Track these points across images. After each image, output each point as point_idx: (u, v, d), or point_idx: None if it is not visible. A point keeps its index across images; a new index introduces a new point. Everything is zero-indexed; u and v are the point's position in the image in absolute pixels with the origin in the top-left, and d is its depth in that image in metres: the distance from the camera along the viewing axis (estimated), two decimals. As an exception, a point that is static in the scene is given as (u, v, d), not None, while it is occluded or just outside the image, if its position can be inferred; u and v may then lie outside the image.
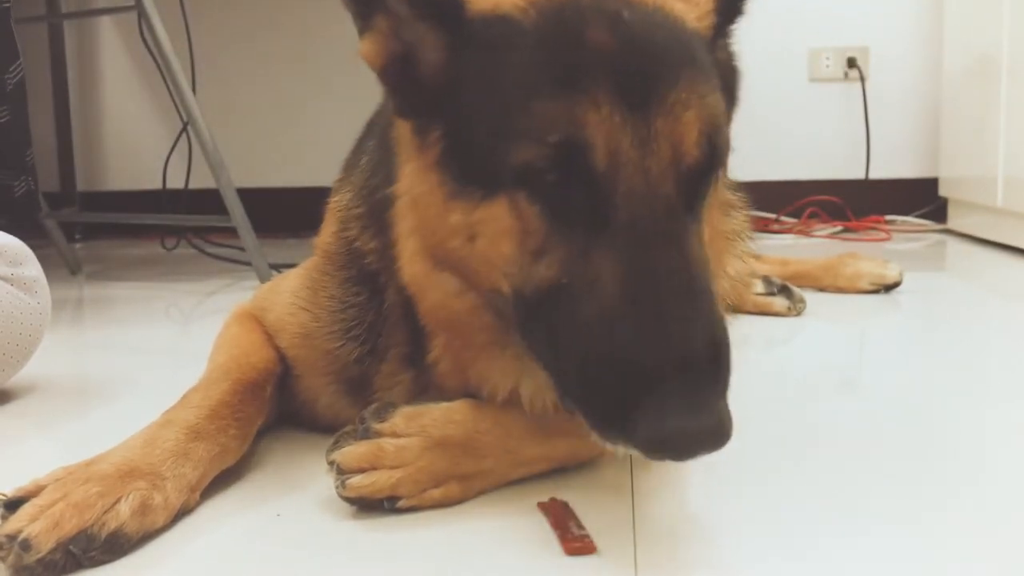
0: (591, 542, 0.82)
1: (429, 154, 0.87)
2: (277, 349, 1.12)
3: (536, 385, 0.92)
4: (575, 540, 0.83)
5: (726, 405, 0.75)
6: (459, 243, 0.86)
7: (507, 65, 0.82)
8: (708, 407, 0.74)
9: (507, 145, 0.80)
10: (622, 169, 0.78)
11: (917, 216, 3.54)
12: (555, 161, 0.78)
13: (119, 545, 0.82)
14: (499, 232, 0.82)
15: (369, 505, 0.90)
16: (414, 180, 0.90)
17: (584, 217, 0.79)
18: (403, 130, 0.91)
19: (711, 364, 0.75)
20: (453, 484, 0.92)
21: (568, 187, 0.79)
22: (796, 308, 1.91)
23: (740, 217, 1.15)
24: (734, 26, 0.94)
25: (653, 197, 0.78)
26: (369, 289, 1.03)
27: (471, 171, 0.83)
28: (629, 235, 0.78)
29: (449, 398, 0.96)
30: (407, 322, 1.00)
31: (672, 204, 0.79)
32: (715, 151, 0.81)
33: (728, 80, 0.92)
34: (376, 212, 1.00)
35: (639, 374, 0.74)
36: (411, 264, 0.93)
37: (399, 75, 0.89)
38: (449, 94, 0.85)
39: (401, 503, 0.90)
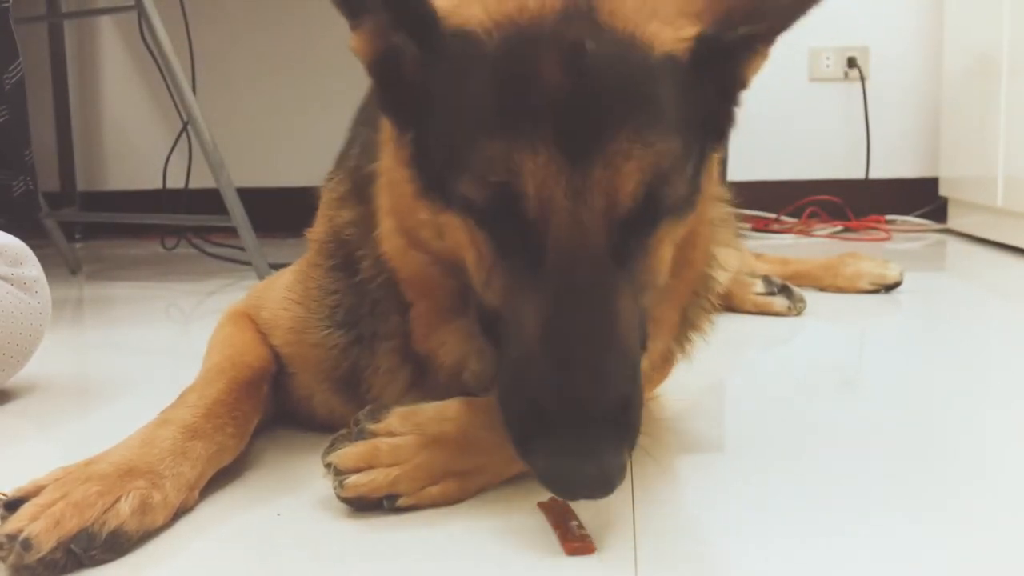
0: (591, 542, 0.82)
1: (403, 151, 0.89)
2: (271, 347, 1.13)
3: (482, 365, 0.96)
4: (575, 540, 0.83)
5: (618, 457, 0.77)
6: (429, 236, 0.90)
7: (464, 91, 0.82)
8: (594, 456, 0.76)
9: (456, 174, 0.82)
10: (554, 217, 0.79)
11: (917, 216, 3.54)
12: (494, 200, 0.80)
13: (119, 544, 0.82)
14: (460, 241, 0.86)
15: (368, 505, 0.90)
16: (391, 166, 0.92)
17: (523, 253, 0.82)
18: (386, 122, 0.93)
19: (606, 417, 0.78)
20: (451, 481, 0.92)
21: (508, 224, 0.81)
22: (796, 308, 1.91)
23: (722, 209, 1.14)
24: (740, 48, 0.87)
25: (582, 248, 0.79)
26: (350, 273, 1.03)
27: (432, 182, 0.86)
28: (556, 281, 0.80)
29: (443, 396, 0.97)
30: (394, 305, 1.00)
31: (601, 256, 0.80)
32: (656, 202, 0.81)
33: (715, 107, 0.89)
34: (359, 187, 1.02)
35: (540, 414, 0.79)
36: (389, 239, 0.95)
37: (385, 71, 0.89)
38: (421, 103, 0.86)
39: (400, 501, 0.90)
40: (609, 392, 0.78)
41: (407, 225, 0.92)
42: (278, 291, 1.15)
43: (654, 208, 0.81)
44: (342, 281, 1.04)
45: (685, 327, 1.07)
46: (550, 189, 0.78)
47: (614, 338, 0.80)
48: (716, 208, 1.06)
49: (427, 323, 0.98)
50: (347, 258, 1.03)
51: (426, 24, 0.83)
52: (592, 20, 0.80)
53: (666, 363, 1.15)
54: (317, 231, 1.11)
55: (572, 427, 0.77)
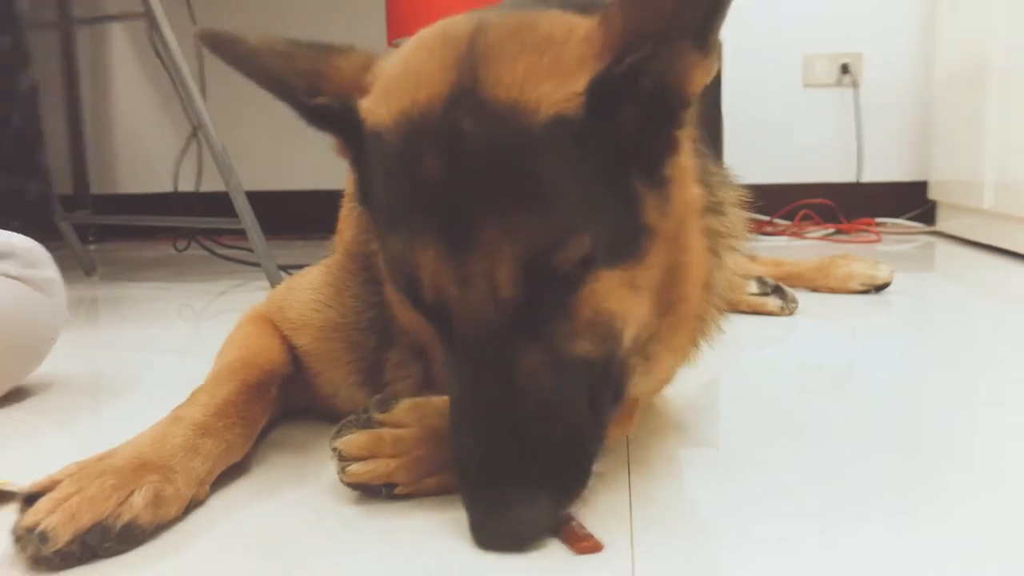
0: (598, 540, 0.82)
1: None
2: (288, 351, 1.13)
3: None
4: (584, 539, 0.82)
5: (531, 513, 0.79)
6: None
7: (377, 188, 0.85)
8: (503, 513, 0.79)
9: (383, 257, 0.86)
10: (449, 303, 0.81)
11: (907, 218, 3.55)
12: (408, 285, 0.83)
13: (134, 536, 0.83)
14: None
15: (368, 491, 0.91)
16: None
17: (443, 327, 0.84)
18: None
19: (516, 478, 0.79)
20: (448, 474, 0.92)
21: (424, 305, 0.83)
22: (789, 308, 1.92)
23: (733, 214, 1.12)
24: (650, 75, 0.79)
25: (478, 328, 0.80)
26: (382, 289, 1.04)
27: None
28: (462, 352, 0.82)
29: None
30: None
31: (498, 333, 0.80)
32: (551, 276, 0.78)
33: (643, 140, 0.82)
34: None
35: (462, 467, 0.82)
36: (389, 294, 0.98)
37: (358, 170, 0.91)
38: (364, 194, 0.90)
39: (397, 490, 0.91)
40: (510, 457, 0.79)
41: (390, 289, 0.94)
42: (304, 292, 1.15)
43: (552, 276, 0.79)
44: (378, 295, 1.05)
45: (697, 339, 1.07)
46: (441, 279, 0.79)
47: (516, 405, 0.80)
48: (717, 221, 1.03)
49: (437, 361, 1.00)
50: (376, 270, 1.04)
51: (354, 130, 0.85)
52: (475, 97, 0.77)
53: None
54: (346, 237, 1.12)
55: (476, 490, 0.81)
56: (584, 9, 0.84)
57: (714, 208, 1.03)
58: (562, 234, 0.77)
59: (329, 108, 0.86)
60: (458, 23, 0.85)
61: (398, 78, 0.84)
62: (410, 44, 0.88)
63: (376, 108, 0.83)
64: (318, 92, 0.87)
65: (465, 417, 0.82)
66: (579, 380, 0.82)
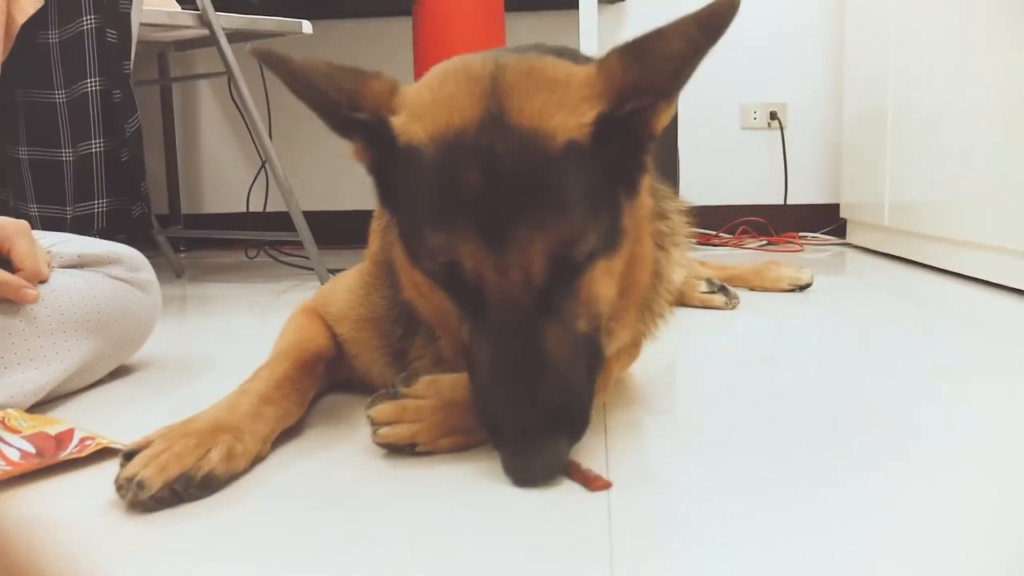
0: (607, 480, 0.82)
1: (395, 229, 0.90)
2: (332, 337, 1.12)
3: None
4: (595, 480, 0.81)
5: (554, 454, 0.80)
6: (426, 290, 0.89)
7: (415, 193, 0.82)
8: (534, 454, 0.79)
9: (417, 254, 0.83)
10: (486, 287, 0.79)
11: (824, 233, 3.54)
12: (445, 272, 0.81)
13: (211, 484, 0.82)
14: (439, 297, 0.86)
15: (396, 450, 0.91)
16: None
17: (473, 309, 0.82)
18: None
19: (541, 428, 0.79)
20: (460, 435, 0.92)
21: (458, 288, 0.81)
22: (732, 303, 1.91)
23: (676, 219, 1.12)
24: (637, 115, 0.81)
25: (510, 307, 0.79)
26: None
27: (410, 254, 0.86)
28: (495, 329, 0.80)
29: (460, 368, 0.97)
30: None
31: (527, 311, 0.79)
32: (569, 261, 0.79)
33: (626, 162, 0.84)
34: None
35: (495, 427, 0.81)
36: (407, 288, 0.95)
37: (379, 173, 0.88)
38: (393, 200, 0.87)
39: (419, 448, 0.91)
40: (542, 410, 0.78)
41: (413, 279, 0.91)
42: (343, 292, 1.14)
43: (568, 266, 0.79)
44: (401, 296, 1.03)
45: (651, 316, 1.07)
46: (481, 267, 0.78)
47: (543, 368, 0.79)
48: (662, 224, 1.04)
49: (449, 344, 0.99)
50: (396, 277, 1.03)
51: (389, 142, 0.83)
52: (502, 123, 0.77)
53: (635, 347, 1.15)
54: (375, 253, 1.10)
55: (515, 438, 0.80)
56: (561, 54, 0.85)
57: (661, 214, 1.04)
58: (578, 232, 0.78)
59: (366, 122, 0.84)
60: (476, 62, 0.84)
61: (430, 104, 0.81)
62: (435, 76, 0.85)
63: (411, 127, 0.81)
64: (357, 108, 0.83)
65: (496, 381, 0.80)
66: (581, 349, 0.83)
